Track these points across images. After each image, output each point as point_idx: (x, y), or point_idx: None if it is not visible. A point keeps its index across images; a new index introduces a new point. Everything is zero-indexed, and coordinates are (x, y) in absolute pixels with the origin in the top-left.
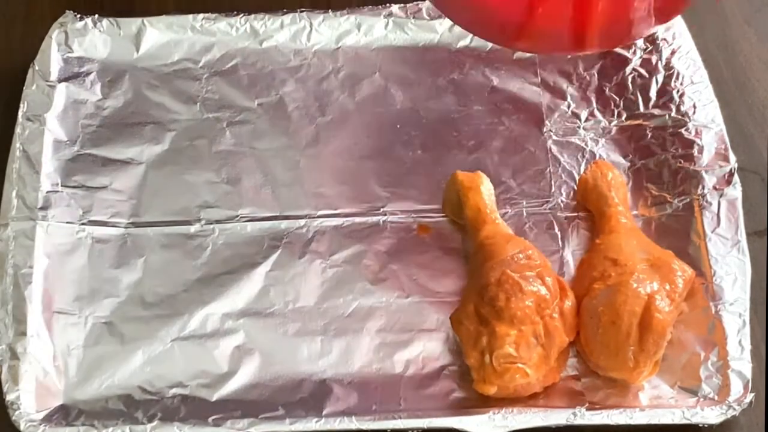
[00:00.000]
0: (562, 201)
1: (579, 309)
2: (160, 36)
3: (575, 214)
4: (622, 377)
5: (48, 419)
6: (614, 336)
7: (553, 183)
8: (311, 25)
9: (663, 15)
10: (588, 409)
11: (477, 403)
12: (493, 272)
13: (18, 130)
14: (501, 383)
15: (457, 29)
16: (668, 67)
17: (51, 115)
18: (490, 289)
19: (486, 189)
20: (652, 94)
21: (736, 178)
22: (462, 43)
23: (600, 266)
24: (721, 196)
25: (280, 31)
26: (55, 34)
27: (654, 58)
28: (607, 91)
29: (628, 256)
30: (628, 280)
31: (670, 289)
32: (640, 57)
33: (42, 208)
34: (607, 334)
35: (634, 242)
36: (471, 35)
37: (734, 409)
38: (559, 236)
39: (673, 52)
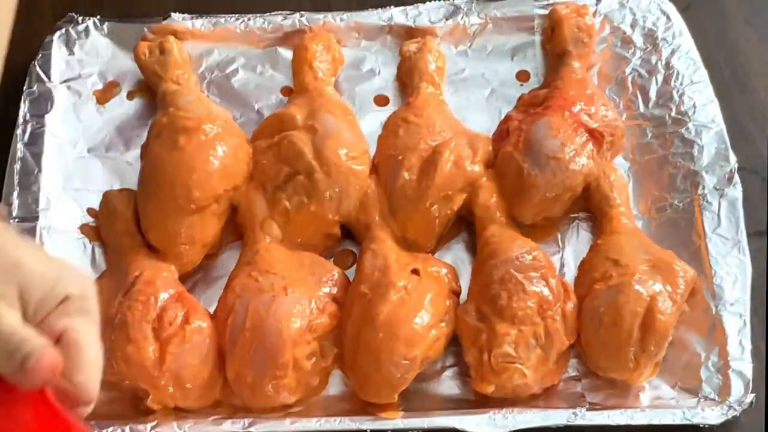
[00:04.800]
0: None
1: (580, 309)
2: None
3: (575, 214)
4: (622, 378)
5: None
6: (615, 337)
7: None
8: (311, 28)
9: None
10: (588, 409)
11: (477, 403)
12: (496, 270)
13: (19, 130)
14: (498, 382)
15: (458, 32)
16: (668, 66)
17: (52, 117)
18: (492, 287)
19: (495, 188)
20: (652, 94)
21: (736, 178)
22: (461, 47)
23: (601, 267)
24: (721, 196)
25: (281, 35)
26: (56, 36)
27: (654, 58)
28: (607, 91)
29: (630, 256)
30: (630, 281)
31: (671, 290)
32: (640, 57)
33: (43, 210)
34: (609, 334)
35: (636, 242)
36: (471, 37)
37: (735, 409)
38: (559, 236)
39: (672, 52)
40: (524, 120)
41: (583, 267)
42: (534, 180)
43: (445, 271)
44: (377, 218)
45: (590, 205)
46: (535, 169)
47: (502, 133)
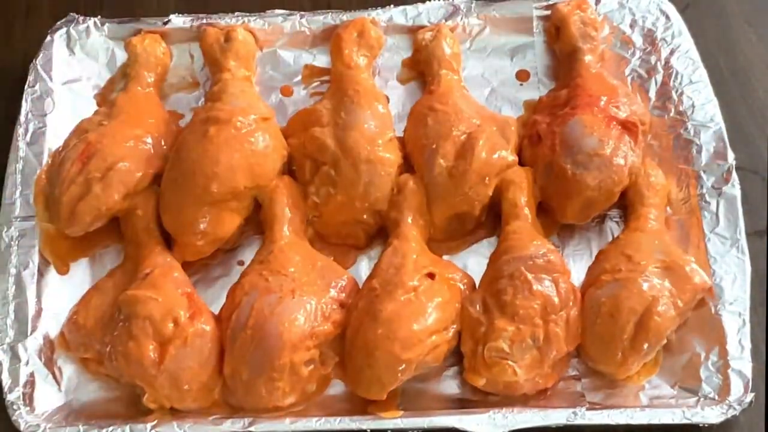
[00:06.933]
0: None
1: (583, 297)
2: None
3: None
4: (608, 371)
5: (48, 419)
6: (609, 328)
7: None
8: (310, 29)
9: None
10: (588, 409)
11: (477, 403)
12: (507, 266)
13: (20, 130)
14: (489, 376)
15: (458, 32)
16: (667, 66)
17: (53, 117)
18: (500, 281)
19: (524, 185)
20: (652, 94)
21: (734, 176)
22: (462, 47)
23: (614, 259)
24: (719, 195)
25: (280, 36)
26: (57, 36)
27: (653, 58)
28: None
29: (645, 255)
30: (637, 278)
31: (676, 295)
32: (640, 57)
33: None
34: (604, 325)
35: (656, 243)
36: (471, 38)
37: (734, 408)
38: (559, 236)
39: (672, 52)
40: (553, 122)
41: (598, 257)
42: (581, 178)
43: (462, 280)
44: (409, 219)
45: (624, 198)
46: (579, 168)
47: (532, 138)
